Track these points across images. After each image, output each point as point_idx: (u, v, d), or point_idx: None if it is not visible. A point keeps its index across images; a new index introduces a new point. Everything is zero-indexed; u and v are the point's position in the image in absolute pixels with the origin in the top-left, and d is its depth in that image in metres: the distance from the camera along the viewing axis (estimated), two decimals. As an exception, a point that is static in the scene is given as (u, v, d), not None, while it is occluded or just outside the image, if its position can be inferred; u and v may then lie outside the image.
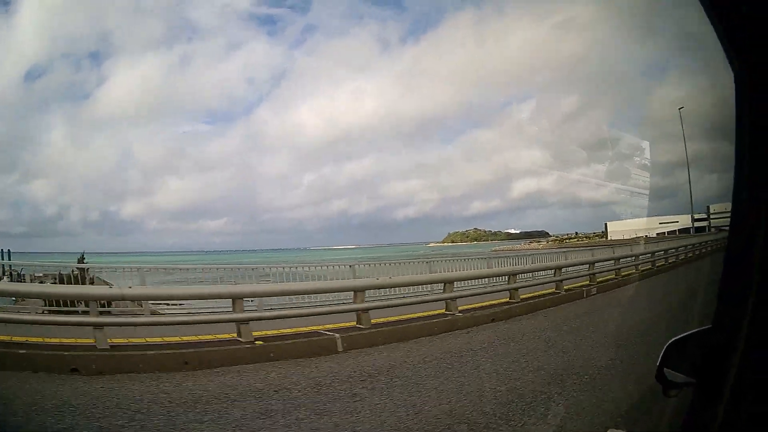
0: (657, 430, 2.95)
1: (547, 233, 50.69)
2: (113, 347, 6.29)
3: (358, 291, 7.93)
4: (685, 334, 1.42)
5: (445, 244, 54.46)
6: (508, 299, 10.20)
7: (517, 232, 53.63)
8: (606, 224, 43.39)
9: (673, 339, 1.43)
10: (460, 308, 8.95)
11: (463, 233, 56.33)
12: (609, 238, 39.49)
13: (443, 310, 8.88)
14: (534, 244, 40.50)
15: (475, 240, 53.60)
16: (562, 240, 44.28)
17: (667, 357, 1.41)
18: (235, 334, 7.07)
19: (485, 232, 54.80)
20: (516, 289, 10.36)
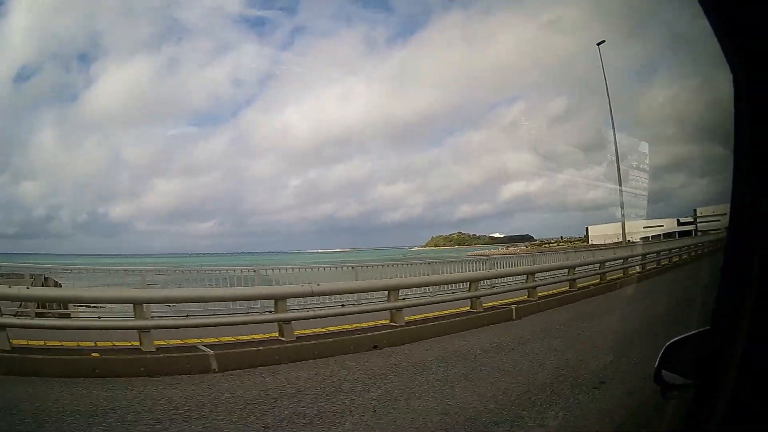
0: None
1: (532, 237, 49.94)
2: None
3: (279, 300, 6.89)
4: (683, 335, 1.40)
5: (428, 248, 53.75)
6: (468, 308, 9.15)
7: (501, 236, 52.86)
8: (587, 228, 42.53)
9: (671, 341, 1.41)
10: (407, 319, 7.99)
11: (446, 237, 55.56)
12: (590, 242, 38.85)
13: (387, 321, 7.91)
14: (511, 249, 39.42)
15: (459, 244, 52.82)
16: (541, 244, 43.46)
17: (665, 359, 1.39)
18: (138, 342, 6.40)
19: (469, 236, 54.11)
20: (477, 297, 9.31)
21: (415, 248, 54.99)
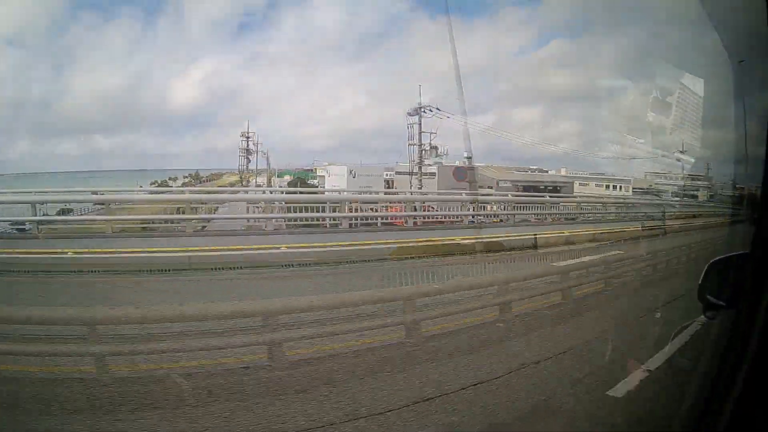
0: (700, 350, 2.88)
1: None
2: None
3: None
4: (725, 255, 1.44)
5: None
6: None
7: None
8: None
9: (713, 260, 1.46)
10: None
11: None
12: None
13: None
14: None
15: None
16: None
17: (707, 277, 1.46)
18: None
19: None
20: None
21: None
